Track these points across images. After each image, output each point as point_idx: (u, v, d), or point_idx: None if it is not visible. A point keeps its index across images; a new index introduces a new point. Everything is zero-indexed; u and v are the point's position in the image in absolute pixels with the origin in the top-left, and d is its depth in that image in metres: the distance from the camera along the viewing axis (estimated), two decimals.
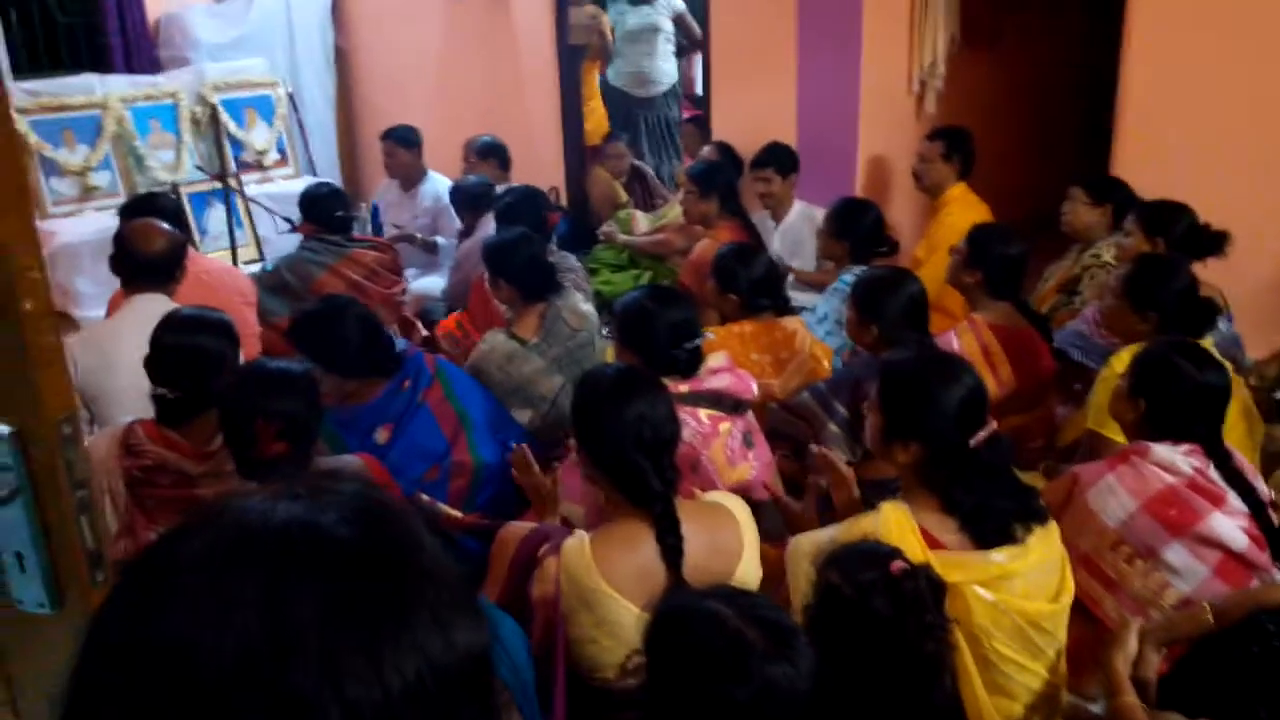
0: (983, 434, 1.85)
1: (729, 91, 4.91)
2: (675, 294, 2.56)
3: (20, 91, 5.07)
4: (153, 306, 2.87)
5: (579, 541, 1.73)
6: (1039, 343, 3.09)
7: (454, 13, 5.82)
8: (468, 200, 4.55)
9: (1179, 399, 2.11)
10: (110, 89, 5.29)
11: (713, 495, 1.93)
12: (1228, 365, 2.59)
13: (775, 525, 2.50)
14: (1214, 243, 3.06)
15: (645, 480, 1.75)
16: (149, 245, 2.91)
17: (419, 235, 5.05)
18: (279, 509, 0.61)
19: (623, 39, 6.14)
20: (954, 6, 4.59)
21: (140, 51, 5.77)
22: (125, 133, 5.31)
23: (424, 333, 4.49)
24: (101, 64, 5.71)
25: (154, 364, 2.24)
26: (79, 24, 5.78)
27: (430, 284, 4.94)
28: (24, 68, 5.51)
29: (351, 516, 0.62)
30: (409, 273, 5.05)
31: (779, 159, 4.39)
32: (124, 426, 2.22)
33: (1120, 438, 2.40)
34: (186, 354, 2.24)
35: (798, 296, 4.27)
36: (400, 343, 2.79)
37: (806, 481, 2.37)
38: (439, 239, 5.05)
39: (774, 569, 2.03)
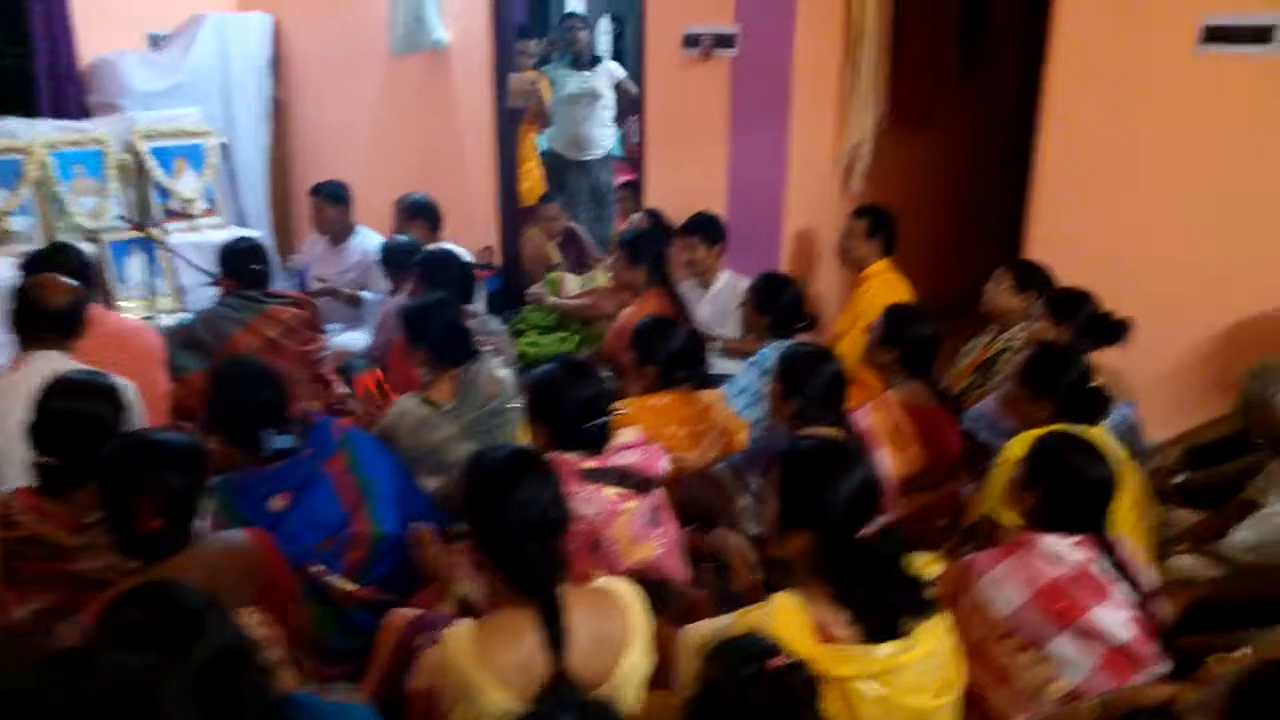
0: (875, 525, 1.86)
1: (662, 159, 4.98)
2: (588, 369, 2.55)
3: None
4: (51, 365, 2.80)
5: (462, 632, 1.70)
6: (948, 423, 3.14)
7: (394, 70, 5.84)
8: (395, 259, 4.52)
9: (1070, 491, 2.15)
10: (35, 133, 5.19)
11: (604, 581, 1.90)
12: (1122, 452, 2.67)
13: (676, 605, 2.49)
14: (1116, 331, 3.16)
15: (530, 567, 1.72)
16: (49, 300, 2.83)
17: (344, 290, 5.00)
18: None
19: (561, 102, 6.21)
20: (883, 87, 4.72)
21: (69, 96, 5.68)
22: (47, 178, 5.19)
23: (342, 390, 4.43)
24: (29, 107, 5.61)
25: (37, 429, 2.17)
26: (10, 66, 5.69)
27: (353, 339, 4.89)
28: None
29: None
30: (333, 327, 5.01)
31: (706, 228, 4.44)
32: None
33: (1015, 522, 2.43)
34: (71, 420, 2.17)
35: (723, 365, 4.31)
36: (286, 441, 2.65)
37: (701, 567, 2.37)
38: (365, 294, 5.00)
39: (671, 651, 2.01)
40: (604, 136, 6.45)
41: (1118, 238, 3.76)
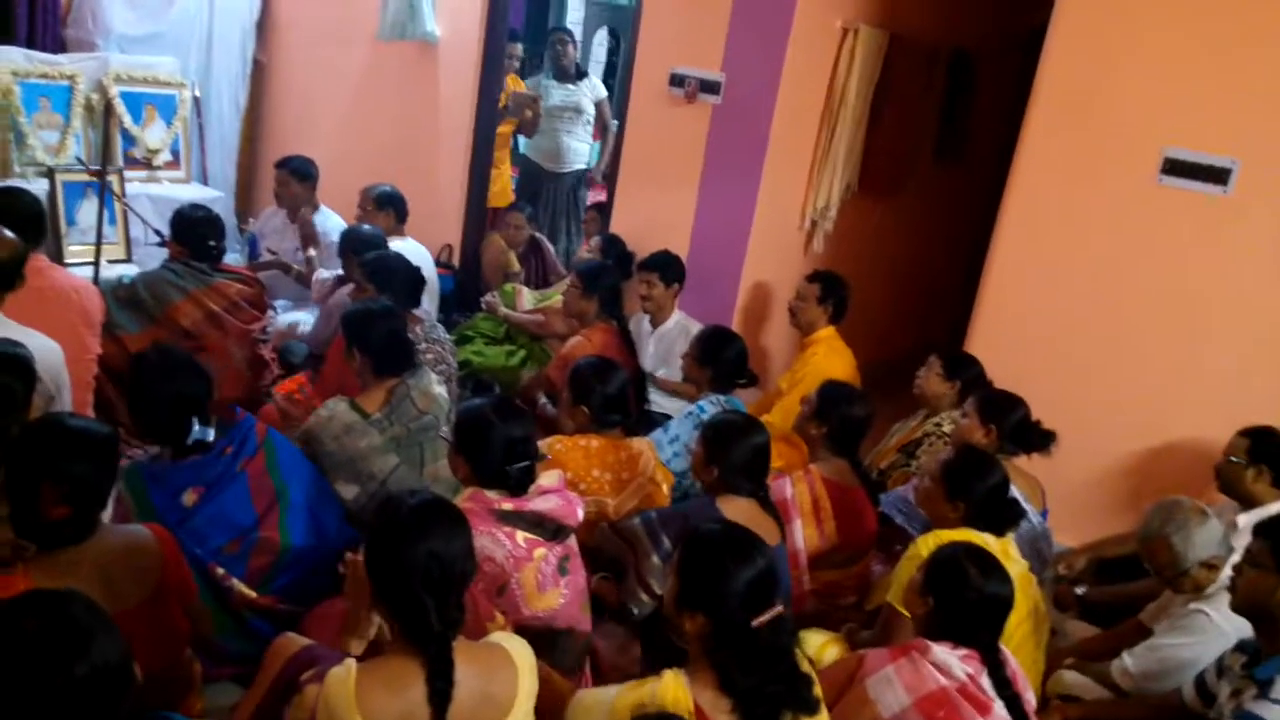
0: (767, 615, 1.89)
1: (634, 189, 5.00)
2: (518, 411, 2.55)
3: None
4: None
5: (344, 673, 1.68)
6: (866, 504, 3.20)
7: (380, 53, 5.79)
8: (355, 247, 4.45)
9: (964, 605, 2.19)
10: (3, 60, 5.06)
11: (498, 637, 1.91)
12: (1023, 564, 2.74)
13: (574, 656, 2.50)
14: (1042, 440, 3.24)
15: (427, 619, 1.72)
16: None
17: (295, 266, 4.94)
18: None
19: (545, 114, 6.23)
20: (855, 157, 4.80)
21: (46, 27, 5.54)
22: (11, 106, 5.06)
23: (276, 372, 4.38)
24: (4, 33, 5.46)
25: None
26: None
27: (298, 318, 4.82)
28: None
29: None
30: (279, 303, 4.95)
31: (664, 267, 4.46)
32: None
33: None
34: None
35: (663, 403, 4.34)
36: (207, 434, 2.61)
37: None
38: (319, 274, 4.93)
39: (563, 705, 2.03)
40: (581, 151, 6.48)
41: (1057, 342, 3.87)
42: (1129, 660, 2.73)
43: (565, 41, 6.37)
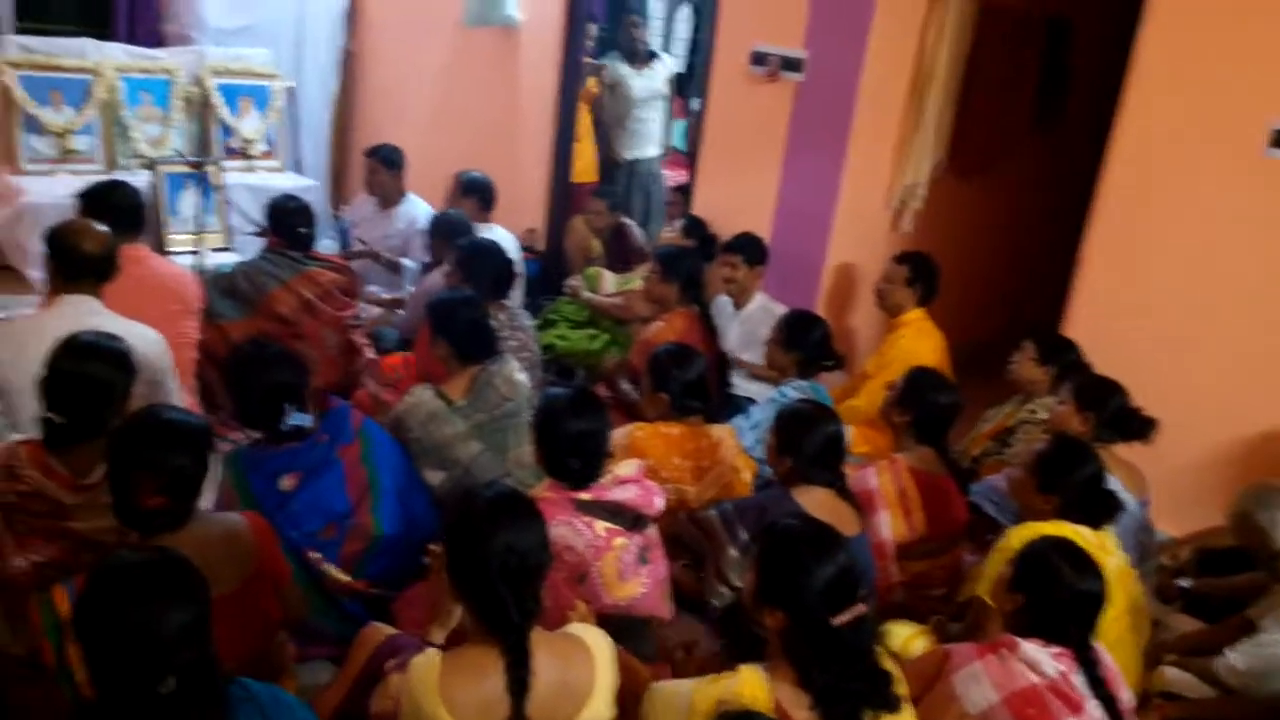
0: (848, 615, 1.86)
1: (715, 171, 4.95)
2: (592, 404, 2.54)
3: (15, 46, 5.06)
4: (81, 308, 2.85)
5: (427, 661, 1.72)
6: (955, 493, 3.11)
7: (464, 39, 5.84)
8: (442, 232, 4.52)
9: (1054, 602, 2.12)
10: (105, 55, 5.27)
11: (575, 627, 1.92)
12: (1123, 558, 2.63)
13: (655, 645, 2.51)
14: (1142, 428, 3.11)
15: (505, 610, 1.74)
16: (80, 245, 2.87)
17: (384, 254, 5.03)
18: None
19: (629, 101, 6.24)
20: (945, 133, 4.65)
21: (144, 22, 5.76)
22: (114, 101, 5.28)
23: (370, 356, 4.48)
24: (105, 28, 5.69)
25: (46, 386, 2.22)
26: None
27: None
28: (27, 20, 5.48)
29: None
30: (371, 289, 5.05)
31: (748, 249, 4.41)
32: (5, 446, 2.19)
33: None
34: (78, 380, 2.22)
35: (747, 387, 4.29)
36: (305, 419, 2.68)
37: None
38: (405, 260, 5.03)
39: (645, 692, 2.03)
40: (662, 136, 6.47)
41: (1158, 323, 3.70)
42: (1235, 656, 2.61)
43: (638, 25, 6.36)
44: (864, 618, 1.87)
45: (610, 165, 6.45)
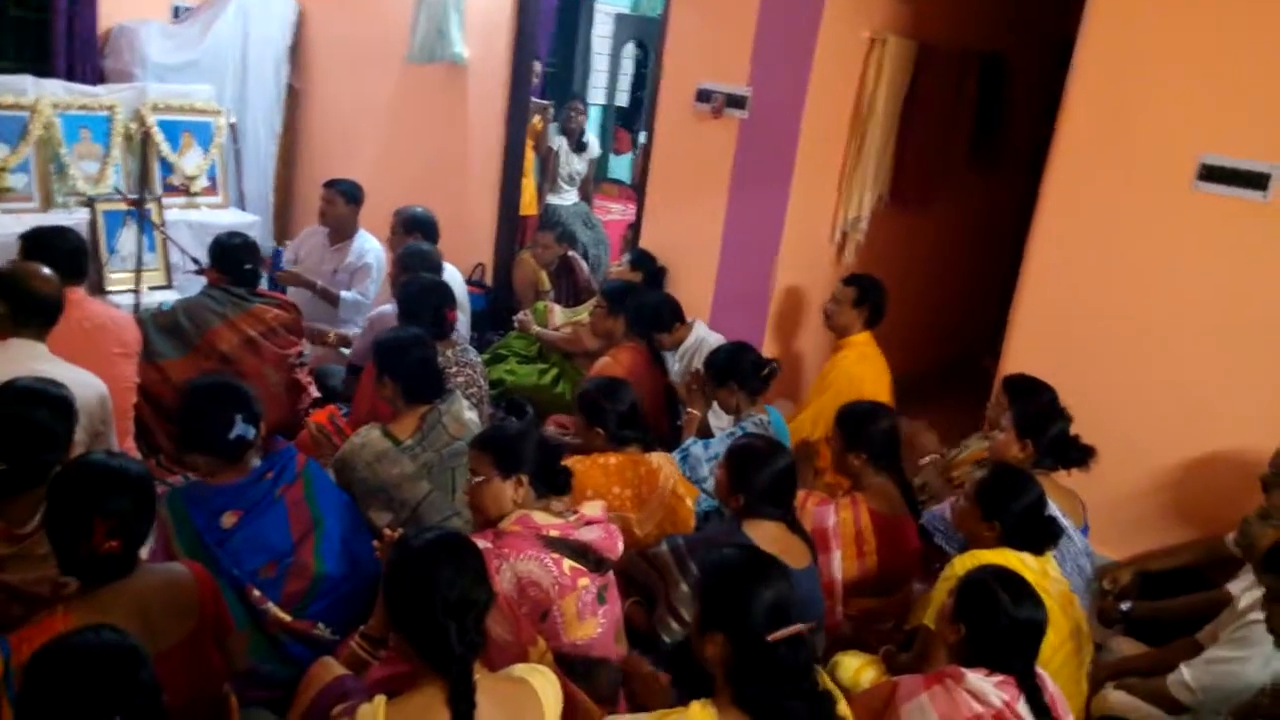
0: (785, 632, 1.87)
1: (663, 204, 5.00)
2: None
3: None
4: (25, 352, 2.80)
5: (373, 710, 1.69)
6: (913, 534, 3.14)
7: (411, 75, 5.85)
8: (411, 266, 4.42)
9: (996, 631, 2.15)
10: (44, 92, 5.18)
11: (522, 669, 1.91)
12: (1063, 584, 2.68)
13: (609, 686, 2.49)
14: (1081, 456, 3.17)
15: (446, 641, 1.73)
16: (33, 289, 2.83)
17: (319, 283, 4.96)
18: None
19: (557, 169, 6.65)
20: (885, 167, 4.76)
21: (85, 59, 5.67)
22: (52, 138, 5.18)
23: (314, 395, 4.42)
24: (45, 64, 5.61)
25: None
26: (30, 20, 5.68)
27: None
28: None
29: None
30: (319, 326, 4.98)
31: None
32: None
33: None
34: (20, 427, 2.18)
35: (712, 420, 4.27)
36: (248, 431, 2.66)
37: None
38: (343, 293, 4.96)
39: None
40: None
41: (1094, 351, 3.79)
42: (1189, 673, 2.65)
43: (581, 111, 6.80)
44: (802, 638, 1.89)
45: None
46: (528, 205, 6.31)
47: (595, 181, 7.43)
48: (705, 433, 3.77)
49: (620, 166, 10.06)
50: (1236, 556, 3.31)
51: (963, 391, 3.75)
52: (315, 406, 4.27)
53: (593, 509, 2.55)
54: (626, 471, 3.07)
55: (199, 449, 2.62)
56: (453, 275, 4.78)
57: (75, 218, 5.02)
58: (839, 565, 2.95)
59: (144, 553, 2.10)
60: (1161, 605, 3.30)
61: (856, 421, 3.12)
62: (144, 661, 1.58)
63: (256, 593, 2.54)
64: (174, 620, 2.02)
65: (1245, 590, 2.76)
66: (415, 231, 4.90)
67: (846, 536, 2.99)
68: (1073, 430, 3.25)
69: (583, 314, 5.09)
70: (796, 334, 4.87)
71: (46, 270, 2.93)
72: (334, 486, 2.85)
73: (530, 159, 6.33)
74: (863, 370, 4.07)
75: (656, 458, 3.15)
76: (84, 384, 2.73)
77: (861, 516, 3.02)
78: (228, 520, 2.57)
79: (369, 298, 4.97)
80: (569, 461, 3.04)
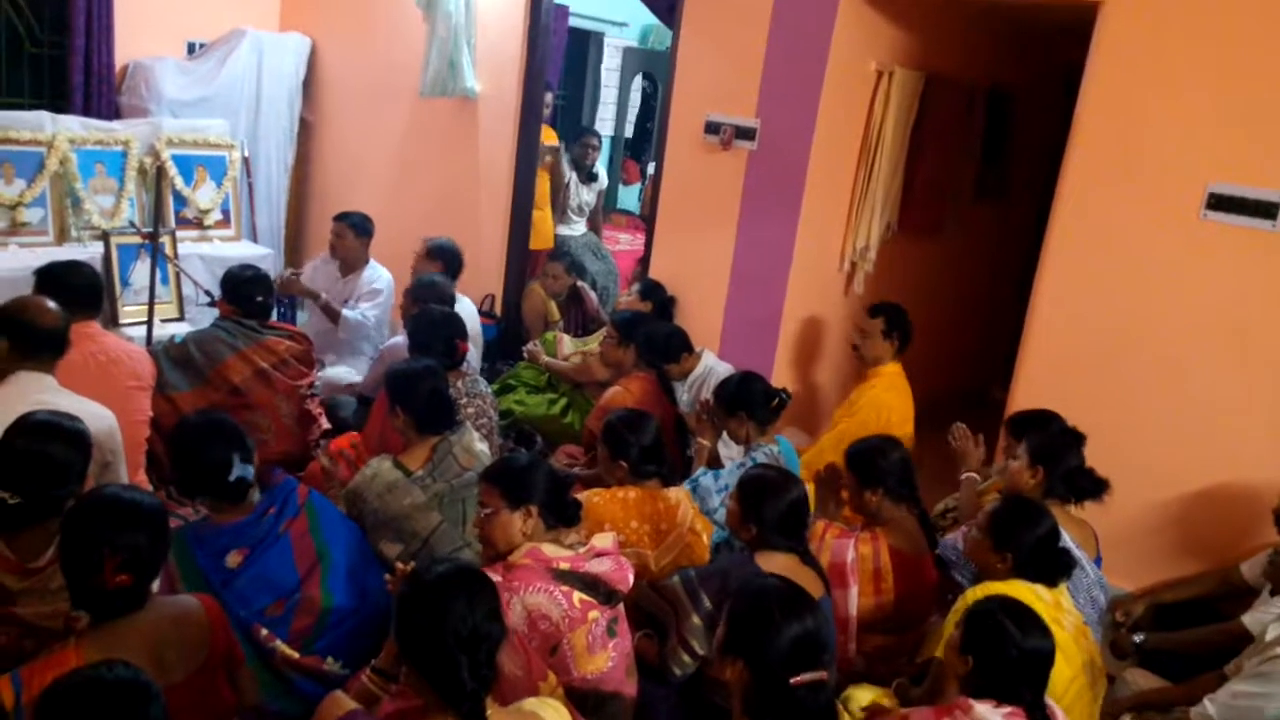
0: (808, 677, 1.87)
1: (672, 235, 5.02)
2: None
3: None
4: (33, 384, 2.82)
5: None
6: (929, 568, 3.12)
7: (422, 109, 5.91)
8: (422, 296, 4.44)
9: (1004, 663, 2.14)
10: (60, 128, 5.25)
11: (531, 703, 1.91)
12: (1076, 616, 2.66)
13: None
14: (1094, 488, 3.15)
15: (458, 676, 1.73)
16: (38, 322, 2.85)
17: (323, 296, 4.95)
18: None
19: (567, 201, 6.58)
20: (894, 197, 4.78)
21: (101, 95, 5.75)
22: (67, 173, 5.24)
23: (325, 426, 4.44)
24: (61, 100, 5.69)
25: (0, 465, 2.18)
26: (45, 57, 5.76)
27: (340, 373, 4.90)
28: None
29: None
30: (325, 360, 5.01)
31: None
32: None
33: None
34: (34, 460, 2.19)
35: (722, 450, 4.27)
36: (248, 471, 2.65)
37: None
38: (345, 311, 4.97)
39: None
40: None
41: (1105, 382, 3.79)
42: (1211, 708, 2.62)
43: (595, 147, 6.76)
44: (823, 683, 1.88)
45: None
46: (546, 239, 6.32)
47: (604, 212, 7.38)
48: (715, 463, 3.77)
49: (629, 197, 10.13)
50: (1251, 587, 3.28)
51: (973, 422, 3.72)
52: (325, 438, 4.29)
53: (603, 540, 2.55)
54: (645, 506, 3.06)
55: (201, 494, 2.64)
56: (466, 307, 4.81)
57: (90, 251, 5.07)
58: (854, 601, 2.93)
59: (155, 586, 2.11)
60: (1175, 637, 3.27)
61: (868, 458, 3.10)
62: (155, 697, 1.59)
63: (264, 631, 2.54)
64: (185, 654, 2.02)
65: (1273, 622, 2.73)
66: (438, 260, 4.91)
67: (865, 573, 2.97)
68: (1086, 460, 3.24)
69: (592, 344, 5.11)
70: (806, 363, 4.87)
71: (50, 303, 2.95)
72: (339, 517, 2.84)
73: (545, 191, 6.34)
74: (891, 399, 4.06)
75: (675, 493, 3.13)
76: (92, 415, 2.74)
77: (881, 553, 3.00)
78: (233, 560, 2.57)
79: (369, 321, 4.98)
80: (588, 494, 3.05)
